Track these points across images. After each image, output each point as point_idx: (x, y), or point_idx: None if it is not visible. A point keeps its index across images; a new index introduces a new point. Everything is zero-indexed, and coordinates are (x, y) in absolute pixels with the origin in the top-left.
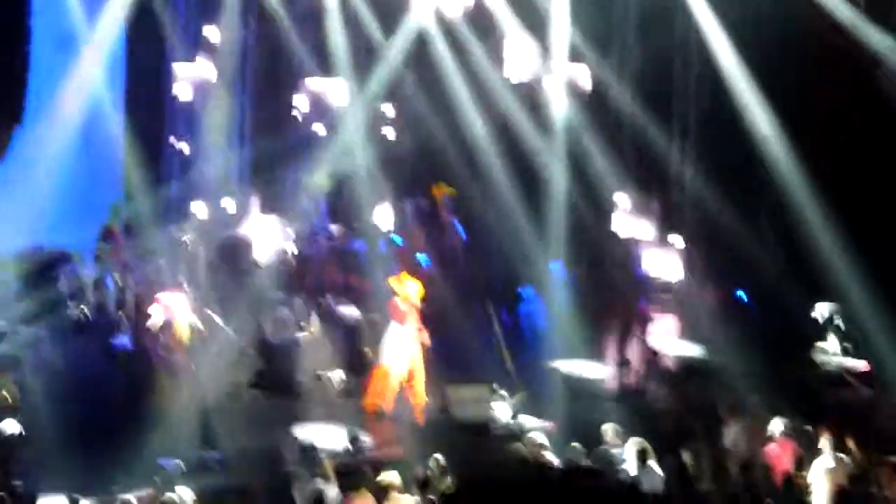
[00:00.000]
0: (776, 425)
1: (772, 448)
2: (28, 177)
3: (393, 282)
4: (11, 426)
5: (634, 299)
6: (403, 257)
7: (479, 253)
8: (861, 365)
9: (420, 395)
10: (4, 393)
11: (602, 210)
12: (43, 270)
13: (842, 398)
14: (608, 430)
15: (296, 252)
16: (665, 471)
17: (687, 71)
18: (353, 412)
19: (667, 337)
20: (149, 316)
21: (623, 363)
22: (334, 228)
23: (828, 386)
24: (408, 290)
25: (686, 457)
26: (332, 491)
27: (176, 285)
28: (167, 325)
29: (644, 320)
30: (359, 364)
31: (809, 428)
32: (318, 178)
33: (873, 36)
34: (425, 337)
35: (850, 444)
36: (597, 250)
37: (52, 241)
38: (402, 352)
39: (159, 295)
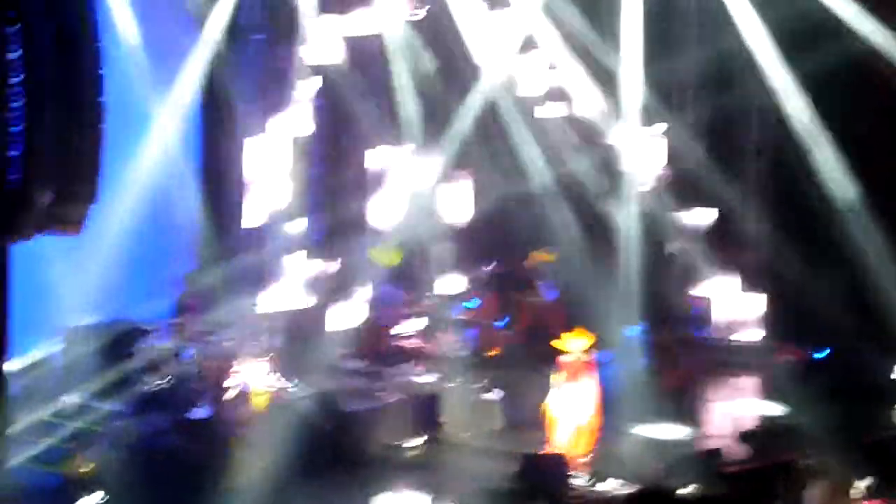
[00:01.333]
0: (860, 485)
1: None
2: (102, 249)
3: (557, 343)
4: (94, 499)
5: (714, 361)
6: (478, 322)
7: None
8: None
9: (589, 438)
10: (82, 469)
11: (678, 272)
12: (119, 344)
13: None
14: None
15: (369, 320)
16: None
17: (763, 129)
18: (429, 480)
19: (747, 398)
20: (226, 388)
21: (704, 426)
22: (403, 296)
23: None
24: (573, 346)
25: None
26: None
27: (252, 356)
28: (244, 397)
29: (724, 382)
30: (434, 432)
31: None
32: (383, 252)
33: None
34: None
35: None
36: (674, 313)
37: (127, 315)
38: (573, 406)
39: (236, 366)
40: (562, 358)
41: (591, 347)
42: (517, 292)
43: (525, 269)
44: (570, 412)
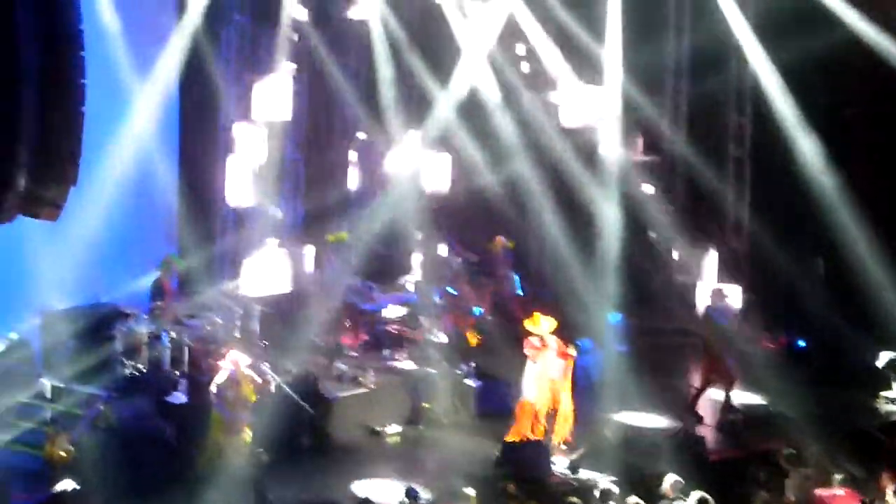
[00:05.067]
0: (838, 474)
1: (833, 497)
2: (81, 232)
3: (528, 323)
4: (68, 484)
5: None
6: (457, 308)
7: (534, 305)
8: None
9: (565, 425)
10: (61, 451)
11: (659, 258)
12: (98, 328)
13: None
14: (666, 481)
15: (348, 305)
16: None
17: (741, 114)
18: (410, 466)
19: (728, 386)
20: (203, 371)
21: (691, 414)
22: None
23: (891, 434)
24: (542, 328)
25: None
26: None
27: (232, 341)
28: (234, 382)
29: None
30: (416, 417)
31: (874, 476)
32: (336, 234)
33: None
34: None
35: None
36: (654, 299)
37: (106, 298)
38: (543, 386)
39: (217, 350)
40: (530, 340)
41: (556, 331)
42: (485, 278)
43: (489, 254)
44: (541, 395)
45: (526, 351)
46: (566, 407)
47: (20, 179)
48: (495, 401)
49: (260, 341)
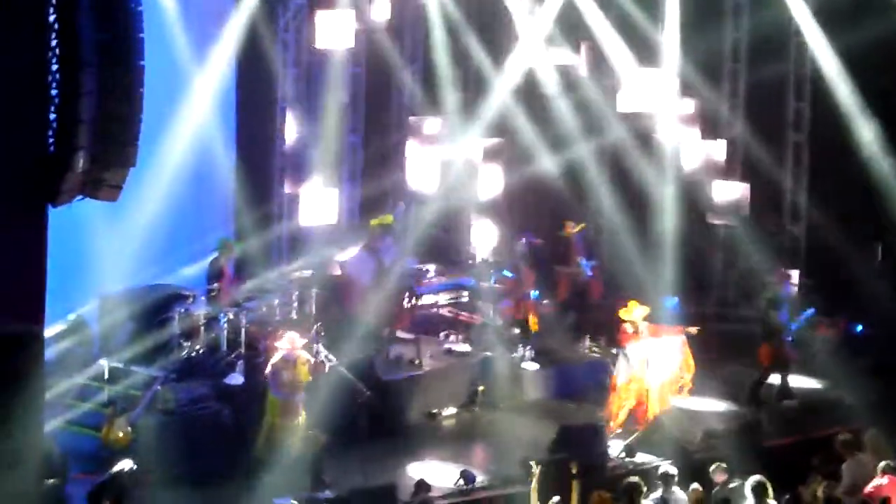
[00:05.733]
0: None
1: (883, 484)
2: (139, 215)
3: (622, 312)
4: (126, 465)
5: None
6: (514, 292)
7: (595, 288)
8: None
9: (658, 407)
10: (120, 433)
11: (717, 243)
12: (156, 310)
13: None
14: (715, 469)
15: (403, 289)
16: None
17: (800, 99)
18: (465, 449)
19: (785, 372)
20: (259, 353)
21: (753, 400)
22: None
23: None
24: (635, 315)
25: (804, 493)
26: None
27: (290, 323)
28: (290, 363)
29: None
30: (472, 400)
31: None
32: (380, 218)
33: None
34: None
35: None
36: (711, 285)
37: (164, 281)
38: (640, 371)
39: (283, 332)
40: (624, 327)
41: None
42: (556, 264)
43: (561, 240)
44: (652, 375)
45: (620, 337)
46: (658, 397)
47: (80, 161)
48: (556, 386)
49: (316, 323)
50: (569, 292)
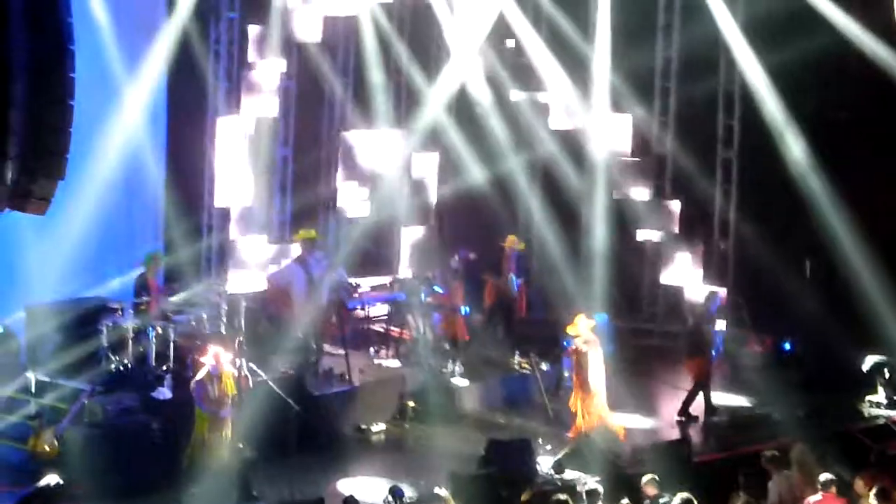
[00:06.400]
0: (823, 478)
1: (817, 500)
2: (68, 227)
3: (569, 328)
4: (52, 479)
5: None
6: (445, 307)
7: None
8: None
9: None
10: (46, 446)
11: (646, 260)
12: (84, 322)
13: (889, 450)
14: (647, 482)
15: (334, 303)
16: None
17: (729, 116)
18: (395, 464)
19: (714, 388)
20: (187, 367)
21: (685, 415)
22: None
23: (876, 438)
24: (580, 329)
25: None
26: None
27: (217, 337)
28: (215, 378)
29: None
30: (402, 415)
31: (855, 479)
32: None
33: None
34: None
35: None
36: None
37: (93, 292)
38: (597, 382)
39: (209, 346)
40: (575, 341)
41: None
42: (488, 273)
43: (499, 253)
44: (596, 386)
45: (571, 354)
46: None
47: (8, 172)
48: (486, 400)
49: (244, 337)
50: (494, 301)
